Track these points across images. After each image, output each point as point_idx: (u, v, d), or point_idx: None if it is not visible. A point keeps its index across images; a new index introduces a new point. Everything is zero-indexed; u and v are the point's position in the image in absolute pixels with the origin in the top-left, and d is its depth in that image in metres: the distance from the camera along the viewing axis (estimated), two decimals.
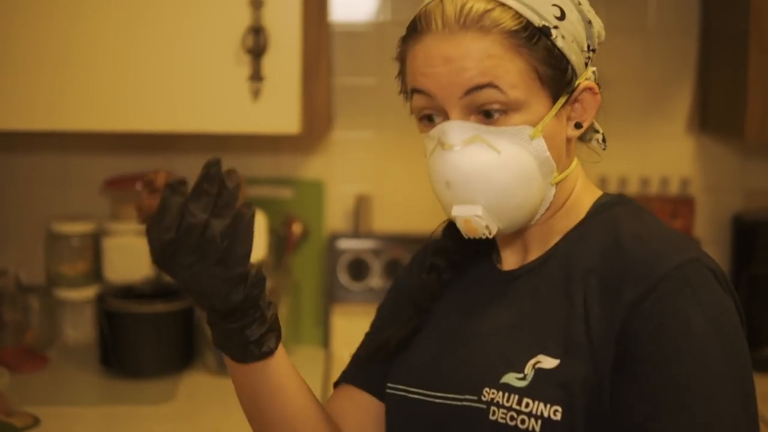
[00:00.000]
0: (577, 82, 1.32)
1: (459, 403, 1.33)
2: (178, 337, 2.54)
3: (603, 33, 1.37)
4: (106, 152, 2.77)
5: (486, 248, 1.44)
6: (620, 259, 1.27)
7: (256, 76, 2.29)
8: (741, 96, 2.43)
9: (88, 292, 2.66)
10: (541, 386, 1.26)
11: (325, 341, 2.77)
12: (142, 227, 2.55)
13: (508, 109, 1.26)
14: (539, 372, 1.27)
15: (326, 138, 2.78)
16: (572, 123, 1.34)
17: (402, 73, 1.35)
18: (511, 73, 1.25)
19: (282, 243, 2.65)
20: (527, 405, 1.26)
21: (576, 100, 1.33)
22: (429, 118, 1.31)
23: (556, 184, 1.34)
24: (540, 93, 1.28)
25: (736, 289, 2.62)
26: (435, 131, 1.29)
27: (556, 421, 1.24)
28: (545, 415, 1.25)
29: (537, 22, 1.26)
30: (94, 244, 2.69)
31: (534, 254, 1.39)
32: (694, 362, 1.20)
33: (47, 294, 2.70)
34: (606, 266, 1.29)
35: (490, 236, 1.30)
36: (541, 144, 1.28)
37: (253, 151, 2.78)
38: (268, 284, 2.47)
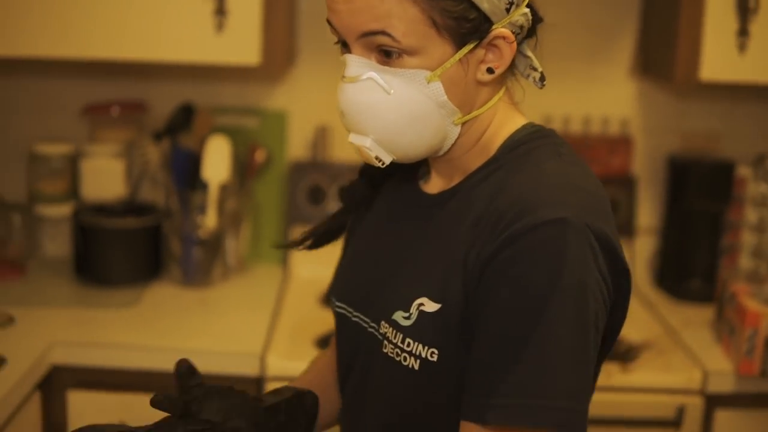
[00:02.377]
0: (492, 29, 1.30)
1: (368, 327, 1.44)
2: (146, 250, 2.74)
3: None
4: (85, 78, 2.94)
5: (415, 167, 1.50)
6: (496, 208, 1.29)
7: (220, 10, 2.46)
8: (673, 42, 2.61)
9: (66, 209, 2.85)
10: (422, 328, 1.33)
11: (284, 260, 2.96)
12: (118, 150, 2.79)
13: (404, 53, 1.28)
14: (422, 314, 1.33)
15: (290, 71, 2.94)
16: (485, 67, 1.33)
17: None
18: (404, 21, 1.25)
19: (245, 168, 2.84)
20: (409, 345, 1.34)
21: (491, 46, 1.32)
22: (344, 44, 1.34)
23: (463, 123, 1.36)
24: (438, 40, 1.28)
25: (669, 223, 2.83)
26: (343, 60, 1.33)
27: (433, 362, 1.32)
28: (423, 356, 1.33)
29: None
30: (73, 165, 2.88)
31: (453, 183, 1.43)
32: (527, 321, 1.22)
33: (28, 211, 2.89)
34: (486, 214, 1.31)
35: (383, 166, 1.35)
36: (438, 87, 1.30)
37: (220, 81, 2.94)
38: (231, 205, 2.68)
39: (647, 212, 3.03)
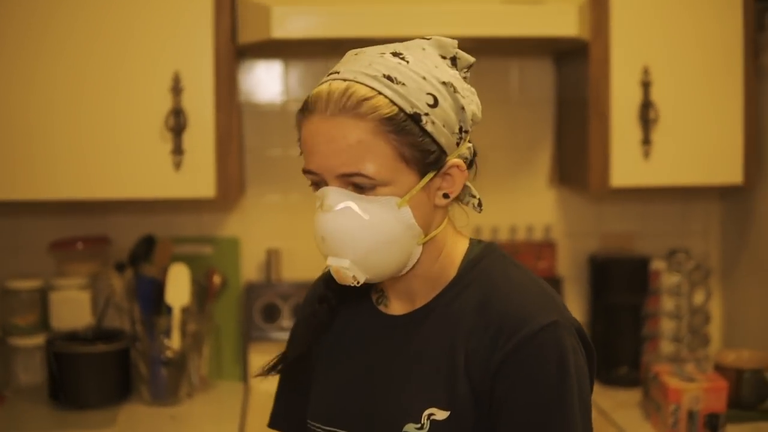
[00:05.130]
0: (447, 159, 1.51)
1: None
2: (117, 373, 2.94)
3: (479, 113, 1.58)
4: (51, 217, 3.17)
5: (367, 287, 1.64)
6: (492, 318, 1.50)
7: (178, 150, 2.73)
8: (585, 154, 2.92)
9: (38, 340, 3.04)
10: None
11: (244, 376, 3.17)
12: (85, 282, 3.00)
13: (377, 185, 1.46)
14: (434, 423, 1.50)
15: (240, 201, 3.20)
16: (441, 193, 1.53)
17: (299, 139, 1.53)
18: (378, 158, 1.45)
19: (204, 292, 3.06)
20: None
21: (446, 174, 1.52)
22: (316, 184, 1.52)
23: (424, 244, 1.54)
24: (406, 171, 1.47)
25: (594, 317, 3.09)
26: (318, 193, 1.50)
27: None
28: None
29: (409, 109, 1.45)
30: (42, 297, 3.08)
31: (420, 303, 1.59)
32: (548, 409, 1.46)
33: (1, 342, 3.08)
34: (481, 324, 1.50)
35: (358, 285, 1.51)
36: (407, 212, 1.48)
37: (178, 212, 3.20)
38: (193, 327, 2.88)
39: (574, 308, 3.27)
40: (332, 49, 3.09)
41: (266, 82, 3.24)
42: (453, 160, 1.53)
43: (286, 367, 1.72)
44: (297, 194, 3.26)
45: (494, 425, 1.49)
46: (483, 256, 1.60)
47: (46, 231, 3.16)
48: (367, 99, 1.45)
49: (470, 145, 1.59)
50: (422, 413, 1.51)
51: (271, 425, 1.82)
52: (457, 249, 1.61)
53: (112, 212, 3.19)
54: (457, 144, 1.53)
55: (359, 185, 1.47)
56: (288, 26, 2.64)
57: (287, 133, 3.09)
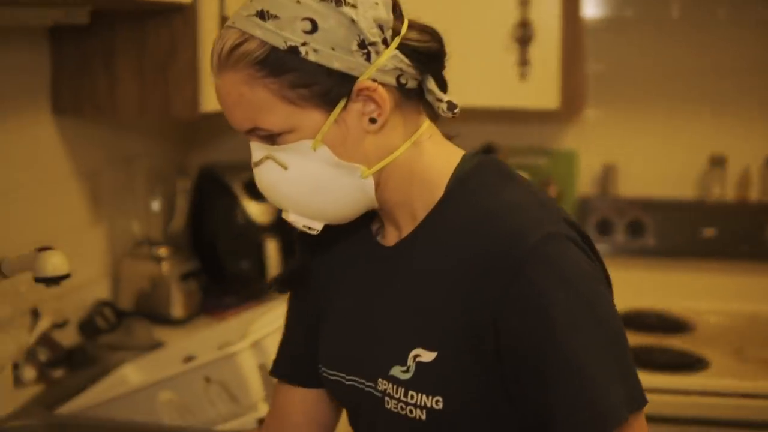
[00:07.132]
0: (358, 82, 1.29)
1: (365, 387, 1.42)
2: None
3: (385, 14, 1.31)
4: None
5: (366, 219, 1.45)
6: (482, 242, 1.30)
7: (523, 62, 2.80)
8: None
9: None
10: (423, 379, 1.33)
11: None
12: None
13: (282, 132, 1.30)
14: (419, 365, 1.33)
15: (579, 114, 3.19)
16: (367, 118, 1.31)
17: None
18: (265, 109, 1.29)
19: None
20: (412, 397, 1.33)
21: (366, 98, 1.30)
22: None
23: (379, 173, 1.34)
24: (303, 112, 1.29)
25: None
26: None
27: (439, 409, 1.31)
28: (429, 405, 1.32)
29: (282, 45, 1.26)
30: None
31: (405, 231, 1.40)
32: (565, 338, 1.24)
33: None
34: (470, 250, 1.30)
35: (317, 232, 1.37)
36: (325, 151, 1.30)
37: (517, 123, 3.24)
38: None
39: None
40: None
41: None
42: (361, 81, 1.30)
43: (281, 287, 1.58)
44: (636, 110, 3.23)
45: (509, 372, 1.30)
46: (474, 173, 1.39)
47: None
48: (237, 46, 1.30)
49: (396, 52, 1.33)
50: (409, 354, 1.35)
51: (272, 373, 1.65)
52: (440, 167, 1.40)
53: (456, 120, 2.98)
54: (368, 60, 1.31)
55: (267, 137, 1.34)
56: None
57: (625, 48, 3.25)
